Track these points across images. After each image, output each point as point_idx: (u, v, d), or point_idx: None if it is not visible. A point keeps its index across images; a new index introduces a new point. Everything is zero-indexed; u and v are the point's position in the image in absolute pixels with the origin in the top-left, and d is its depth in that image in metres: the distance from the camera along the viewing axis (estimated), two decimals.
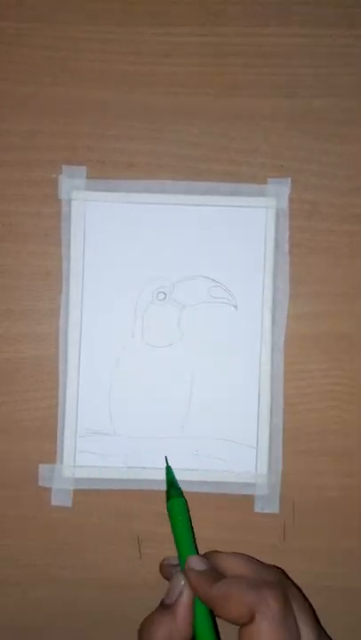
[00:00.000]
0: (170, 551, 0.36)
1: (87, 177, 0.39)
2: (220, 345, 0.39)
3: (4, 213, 0.40)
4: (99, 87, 0.40)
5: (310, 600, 0.35)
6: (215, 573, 0.33)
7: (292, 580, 0.35)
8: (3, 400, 0.39)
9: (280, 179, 0.39)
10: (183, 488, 0.38)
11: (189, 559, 0.34)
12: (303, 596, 0.33)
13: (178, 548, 0.35)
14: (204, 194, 0.39)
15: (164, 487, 0.38)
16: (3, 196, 0.40)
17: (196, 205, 0.39)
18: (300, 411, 0.39)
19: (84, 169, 0.39)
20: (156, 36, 0.40)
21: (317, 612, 0.36)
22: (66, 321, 0.39)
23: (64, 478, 0.39)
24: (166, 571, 0.36)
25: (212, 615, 0.33)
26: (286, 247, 0.39)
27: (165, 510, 0.37)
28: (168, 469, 0.38)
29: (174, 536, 0.36)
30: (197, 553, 0.35)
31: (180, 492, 0.37)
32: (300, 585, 0.35)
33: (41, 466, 0.39)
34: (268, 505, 0.39)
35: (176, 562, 0.36)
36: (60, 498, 0.39)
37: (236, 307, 0.39)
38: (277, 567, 0.35)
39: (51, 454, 0.39)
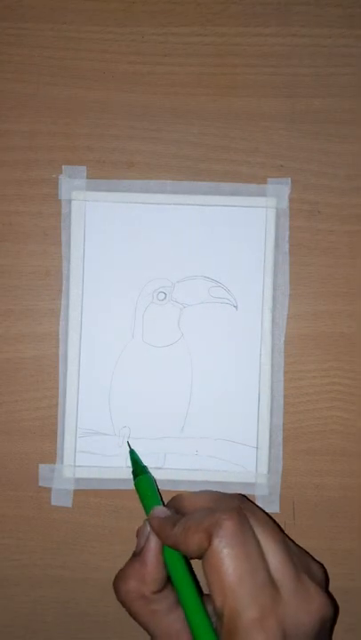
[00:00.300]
0: None
1: (87, 177, 0.39)
2: (220, 345, 0.39)
3: (3, 213, 0.40)
4: (99, 87, 0.40)
5: None
6: (178, 517, 0.33)
7: (256, 505, 0.35)
8: (3, 400, 0.39)
9: (280, 179, 0.39)
10: (184, 488, 0.38)
11: (153, 509, 0.34)
12: (267, 515, 0.33)
13: (144, 506, 0.36)
14: (203, 194, 0.39)
15: (164, 487, 0.38)
16: (3, 195, 0.40)
17: (196, 205, 0.39)
18: (300, 411, 0.40)
19: (84, 169, 0.39)
20: (156, 35, 0.40)
21: None
22: (66, 321, 0.39)
23: (64, 478, 0.39)
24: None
25: (187, 560, 0.33)
26: (286, 247, 0.39)
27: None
28: (132, 452, 0.38)
29: (142, 502, 0.36)
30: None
31: (145, 469, 0.38)
32: None
33: (41, 466, 0.39)
34: (269, 505, 0.39)
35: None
36: (60, 498, 0.39)
37: (236, 307, 0.39)
38: (240, 494, 0.34)
39: (51, 454, 0.39)
